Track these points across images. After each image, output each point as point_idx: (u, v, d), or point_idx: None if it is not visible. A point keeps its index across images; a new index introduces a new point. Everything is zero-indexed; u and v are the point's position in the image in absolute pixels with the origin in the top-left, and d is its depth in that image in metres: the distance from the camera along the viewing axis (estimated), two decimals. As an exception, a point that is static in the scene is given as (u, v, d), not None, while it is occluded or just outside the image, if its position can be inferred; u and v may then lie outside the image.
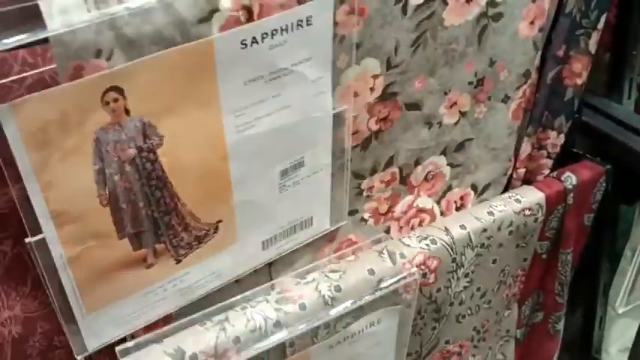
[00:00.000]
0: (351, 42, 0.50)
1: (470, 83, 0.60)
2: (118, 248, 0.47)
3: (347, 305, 0.58)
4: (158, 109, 0.44)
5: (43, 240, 0.44)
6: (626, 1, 0.74)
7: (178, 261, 0.52)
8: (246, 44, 0.44)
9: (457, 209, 0.69)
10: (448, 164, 0.65)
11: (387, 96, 0.56)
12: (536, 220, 0.70)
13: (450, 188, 0.68)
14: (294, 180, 0.55)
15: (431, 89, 0.58)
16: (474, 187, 0.69)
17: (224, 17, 0.43)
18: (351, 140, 0.57)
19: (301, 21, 0.46)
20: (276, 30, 0.45)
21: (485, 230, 0.66)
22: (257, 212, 0.54)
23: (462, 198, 0.69)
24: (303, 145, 0.54)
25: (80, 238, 0.45)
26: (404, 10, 0.51)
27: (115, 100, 0.42)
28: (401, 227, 0.66)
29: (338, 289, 0.58)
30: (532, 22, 0.60)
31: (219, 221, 0.52)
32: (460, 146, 0.65)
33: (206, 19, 0.43)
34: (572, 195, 0.71)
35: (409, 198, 0.65)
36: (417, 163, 0.63)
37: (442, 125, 0.62)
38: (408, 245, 0.63)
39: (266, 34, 0.45)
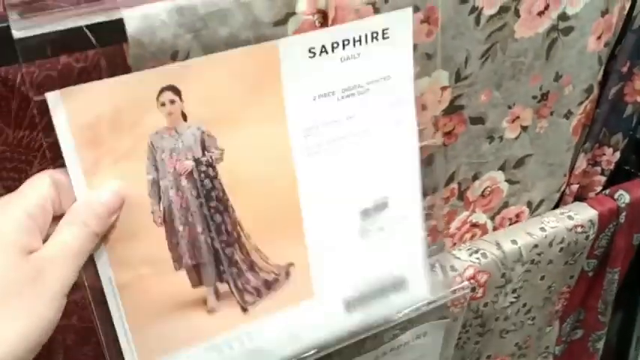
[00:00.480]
0: (423, 52, 0.49)
1: (534, 97, 0.59)
2: (175, 281, 0.42)
3: (400, 316, 0.57)
4: (218, 117, 0.40)
5: (91, 258, 0.39)
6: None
7: (245, 310, 0.45)
8: (314, 53, 0.41)
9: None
10: (506, 180, 0.64)
11: (453, 108, 0.55)
12: (587, 237, 0.68)
13: (506, 205, 0.66)
14: (378, 225, 0.48)
15: (495, 102, 0.57)
16: (529, 205, 0.68)
17: (299, 21, 0.42)
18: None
19: (376, 33, 0.43)
20: (347, 40, 0.42)
21: (536, 246, 0.65)
22: (335, 259, 0.47)
23: (517, 215, 0.68)
24: (384, 183, 0.47)
25: (132, 262, 0.40)
26: (477, 21, 0.50)
27: (172, 102, 0.39)
28: (454, 244, 0.65)
29: (388, 300, 0.57)
30: (599, 37, 0.58)
31: (291, 264, 0.46)
32: (519, 162, 0.63)
33: (282, 21, 0.42)
34: (624, 214, 0.70)
35: (465, 214, 0.64)
36: (475, 177, 0.61)
37: (503, 140, 0.60)
38: (459, 258, 0.62)
39: (337, 43, 0.42)
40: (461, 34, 0.50)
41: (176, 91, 0.39)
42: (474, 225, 0.66)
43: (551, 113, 0.61)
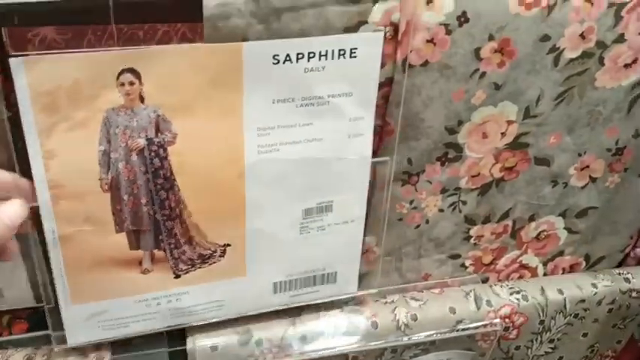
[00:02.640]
0: (491, 81, 0.49)
1: (608, 150, 0.57)
2: (114, 242, 0.46)
3: (420, 337, 0.57)
4: (176, 104, 0.42)
5: (37, 210, 0.43)
6: None
7: (177, 276, 0.49)
8: (278, 60, 0.42)
9: (562, 275, 0.66)
10: (566, 228, 0.62)
11: (517, 145, 0.54)
12: (641, 305, 0.65)
13: (561, 253, 0.64)
14: (319, 224, 0.51)
15: (564, 147, 0.56)
16: (586, 258, 0.66)
17: (369, 30, 0.44)
18: (470, 182, 0.56)
19: (343, 50, 0.44)
20: (313, 53, 0.43)
21: (583, 301, 0.63)
22: (271, 248, 0.51)
23: (572, 266, 0.66)
24: (333, 188, 0.50)
25: (75, 219, 0.44)
26: (555, 62, 0.49)
27: (131, 84, 0.41)
28: (500, 280, 0.64)
29: (414, 317, 0.58)
30: (692, 101, 0.55)
31: (227, 245, 0.49)
32: (583, 212, 0.61)
33: (352, 29, 0.43)
34: (689, 290, 0.66)
35: (515, 253, 0.63)
36: (531, 218, 0.60)
37: (567, 186, 0.59)
38: (498, 295, 0.61)
39: (302, 54, 0.43)
40: (536, 71, 0.49)
41: (136, 74, 0.41)
42: (524, 266, 0.65)
43: (625, 170, 0.59)
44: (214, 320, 0.53)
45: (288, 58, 0.43)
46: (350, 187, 0.51)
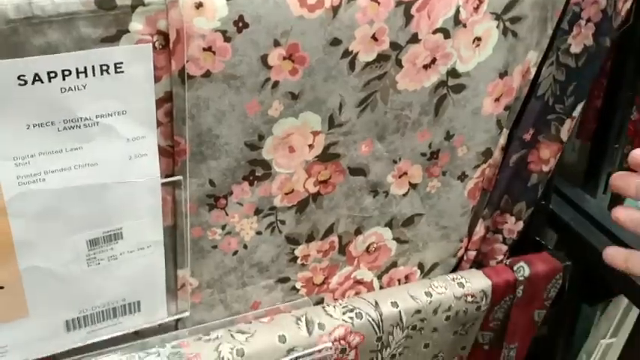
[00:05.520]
0: (286, 90, 0.46)
1: (423, 154, 0.56)
2: None
3: (246, 373, 0.53)
4: None
5: None
6: (612, 93, 0.70)
7: None
8: (25, 80, 0.37)
9: (397, 287, 0.64)
10: (394, 239, 0.60)
11: (328, 156, 0.51)
12: (478, 308, 0.64)
13: (394, 265, 0.63)
14: (109, 254, 0.47)
15: (378, 155, 0.54)
16: (420, 266, 0.64)
17: (133, 40, 0.39)
18: (285, 200, 0.52)
19: (107, 66, 0.39)
20: (69, 71, 0.38)
21: (418, 311, 0.61)
22: (55, 285, 0.47)
23: (406, 277, 0.64)
24: (120, 214, 0.46)
25: None
26: (351, 66, 0.47)
27: None
28: (336, 299, 0.61)
29: (241, 353, 0.53)
30: (497, 99, 0.56)
31: (0, 287, 0.45)
32: (409, 221, 0.60)
33: (112, 39, 0.38)
34: (522, 287, 0.66)
35: (347, 269, 0.60)
36: (357, 231, 0.58)
37: (389, 195, 0.57)
38: (331, 315, 0.58)
39: (54, 73, 0.38)
40: (333, 77, 0.47)
41: None
42: (359, 282, 0.62)
43: (444, 173, 0.58)
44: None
45: (37, 78, 0.37)
46: (139, 211, 0.46)
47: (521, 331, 0.69)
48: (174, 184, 0.46)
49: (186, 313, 0.54)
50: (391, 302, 0.60)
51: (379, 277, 0.63)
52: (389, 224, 0.59)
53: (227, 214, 0.51)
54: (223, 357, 0.53)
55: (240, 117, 0.46)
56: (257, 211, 0.52)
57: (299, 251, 0.56)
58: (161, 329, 0.54)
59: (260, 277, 0.56)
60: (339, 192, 0.54)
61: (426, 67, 0.50)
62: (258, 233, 0.53)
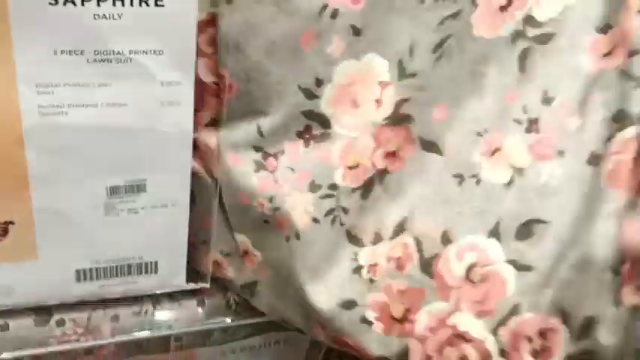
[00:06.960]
0: (347, 22, 0.40)
1: (517, 122, 0.42)
2: None
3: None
4: None
5: None
6: None
7: None
8: (57, 0, 0.35)
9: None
10: (509, 261, 0.42)
11: (399, 118, 0.43)
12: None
13: (516, 310, 0.42)
14: (129, 206, 0.44)
15: (456, 126, 0.43)
16: (563, 316, 0.45)
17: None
18: (349, 178, 0.44)
19: None
20: None
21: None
22: (69, 230, 0.44)
23: (542, 334, 0.43)
24: (144, 165, 0.43)
25: None
26: (421, -3, 0.40)
27: None
28: (429, 358, 0.44)
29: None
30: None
31: (10, 222, 0.42)
32: (525, 230, 0.42)
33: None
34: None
35: (440, 306, 0.43)
36: (445, 238, 0.43)
37: (482, 182, 0.43)
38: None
39: None
40: (397, 10, 0.41)
41: None
42: (461, 336, 0.44)
43: (560, 153, 0.42)
44: (3, 309, 0.46)
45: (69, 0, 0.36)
46: (167, 165, 0.44)
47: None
48: (216, 125, 0.41)
49: (206, 285, 0.49)
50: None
51: (494, 332, 0.43)
52: (494, 233, 0.43)
53: (276, 181, 0.43)
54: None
55: (294, 51, 0.40)
56: (313, 187, 0.44)
57: (364, 256, 0.46)
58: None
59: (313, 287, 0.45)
60: (411, 170, 0.44)
61: (502, 9, 0.43)
62: (315, 221, 0.44)
